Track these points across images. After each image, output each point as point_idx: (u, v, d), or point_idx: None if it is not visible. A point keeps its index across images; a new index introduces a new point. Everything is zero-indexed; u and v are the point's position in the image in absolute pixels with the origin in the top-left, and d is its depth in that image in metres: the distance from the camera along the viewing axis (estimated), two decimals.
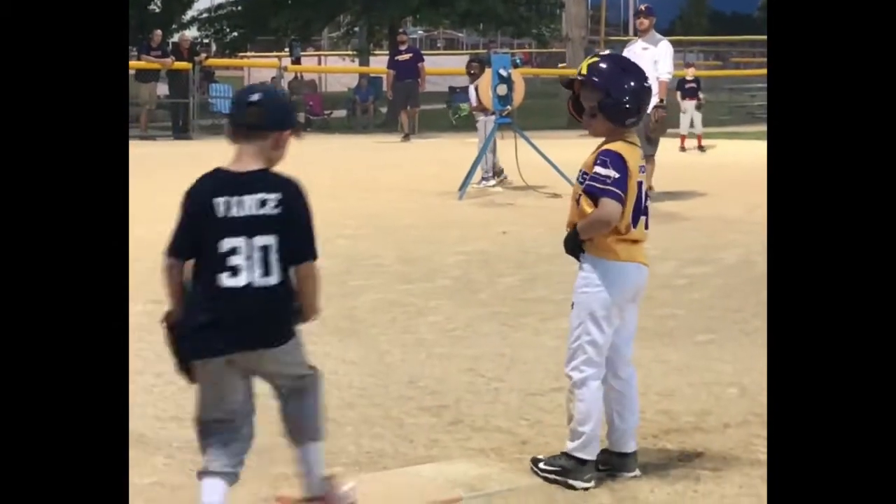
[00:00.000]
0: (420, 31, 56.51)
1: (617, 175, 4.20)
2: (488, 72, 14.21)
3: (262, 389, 3.89)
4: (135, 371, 5.40)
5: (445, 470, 4.51)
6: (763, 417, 4.62)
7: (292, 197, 3.70)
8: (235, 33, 35.85)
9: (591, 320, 4.30)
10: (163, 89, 24.53)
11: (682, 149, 20.24)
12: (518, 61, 17.43)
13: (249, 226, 3.62)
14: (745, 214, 11.96)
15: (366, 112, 27.88)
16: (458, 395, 5.50)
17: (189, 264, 3.72)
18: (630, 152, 4.28)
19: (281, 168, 3.81)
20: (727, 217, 12.05)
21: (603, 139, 4.34)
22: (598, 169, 4.22)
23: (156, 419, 5.04)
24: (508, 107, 13.98)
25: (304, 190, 3.75)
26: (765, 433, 4.15)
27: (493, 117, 14.20)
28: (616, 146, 4.28)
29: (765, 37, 11.64)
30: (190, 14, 36.86)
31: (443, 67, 34.25)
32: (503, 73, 13.87)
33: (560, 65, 33.16)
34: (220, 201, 3.63)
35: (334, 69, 39.70)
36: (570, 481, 4.32)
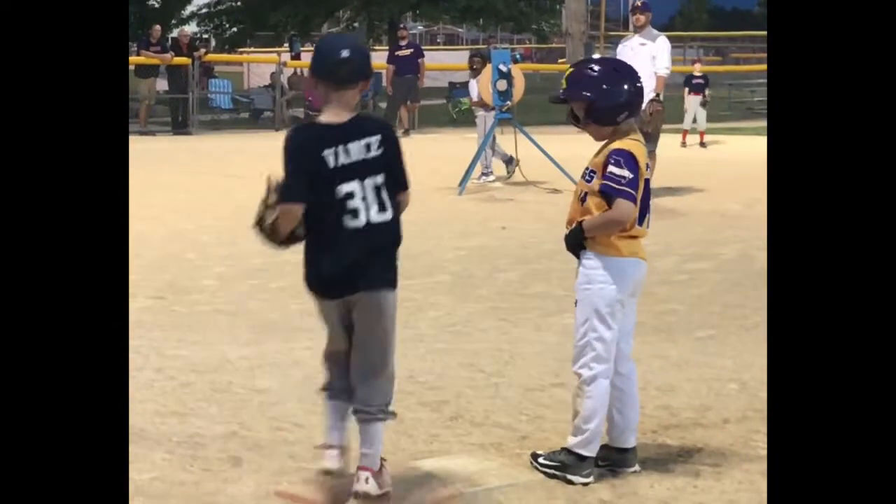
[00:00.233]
0: (420, 27, 56.55)
1: (631, 175, 4.19)
2: (489, 67, 14.20)
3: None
4: (135, 367, 5.40)
5: (445, 465, 4.51)
6: (763, 413, 4.63)
7: (389, 136, 4.00)
8: (235, 29, 35.90)
9: (596, 317, 4.29)
10: (162, 85, 24.47)
11: (683, 144, 20.24)
12: (518, 57, 17.43)
13: (360, 170, 3.89)
14: (744, 210, 11.96)
15: (365, 107, 27.89)
16: (457, 390, 5.49)
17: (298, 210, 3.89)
18: (640, 150, 4.28)
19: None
20: (727, 212, 12.05)
21: (606, 140, 4.34)
22: (612, 168, 4.21)
23: (156, 414, 5.03)
24: (508, 102, 13.97)
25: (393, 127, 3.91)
26: (764, 429, 4.16)
27: (492, 113, 14.18)
28: (626, 144, 4.27)
29: (765, 32, 11.63)
30: (189, 9, 36.92)
31: (443, 63, 34.25)
32: (503, 68, 13.86)
33: (560, 60, 33.10)
34: (328, 153, 3.88)
35: None
36: (570, 476, 4.32)
